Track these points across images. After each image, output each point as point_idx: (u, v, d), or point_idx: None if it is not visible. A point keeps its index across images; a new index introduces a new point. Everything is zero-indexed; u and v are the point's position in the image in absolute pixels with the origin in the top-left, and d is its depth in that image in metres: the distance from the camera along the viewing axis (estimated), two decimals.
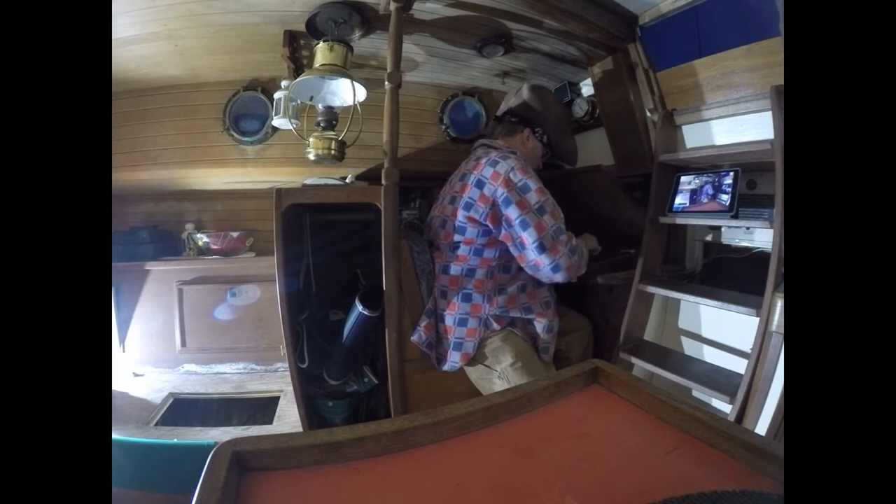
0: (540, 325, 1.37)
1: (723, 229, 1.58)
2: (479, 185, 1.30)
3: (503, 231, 1.29)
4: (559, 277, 1.28)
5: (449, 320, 1.35)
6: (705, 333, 1.54)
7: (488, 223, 1.30)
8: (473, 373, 1.38)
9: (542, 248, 1.25)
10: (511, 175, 1.28)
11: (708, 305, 1.37)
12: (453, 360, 1.35)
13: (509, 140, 1.48)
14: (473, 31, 1.64)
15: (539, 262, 1.26)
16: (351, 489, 0.42)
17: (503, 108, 1.56)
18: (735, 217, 1.33)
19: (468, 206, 1.31)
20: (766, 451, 0.42)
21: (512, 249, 1.31)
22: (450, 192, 1.41)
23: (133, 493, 1.28)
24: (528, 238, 1.25)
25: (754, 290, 1.22)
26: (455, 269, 1.35)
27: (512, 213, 1.26)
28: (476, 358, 1.35)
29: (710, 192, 1.41)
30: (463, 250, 1.35)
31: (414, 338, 1.35)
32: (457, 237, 1.35)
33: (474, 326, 1.33)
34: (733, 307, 1.26)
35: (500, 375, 1.33)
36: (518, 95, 1.52)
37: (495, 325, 1.34)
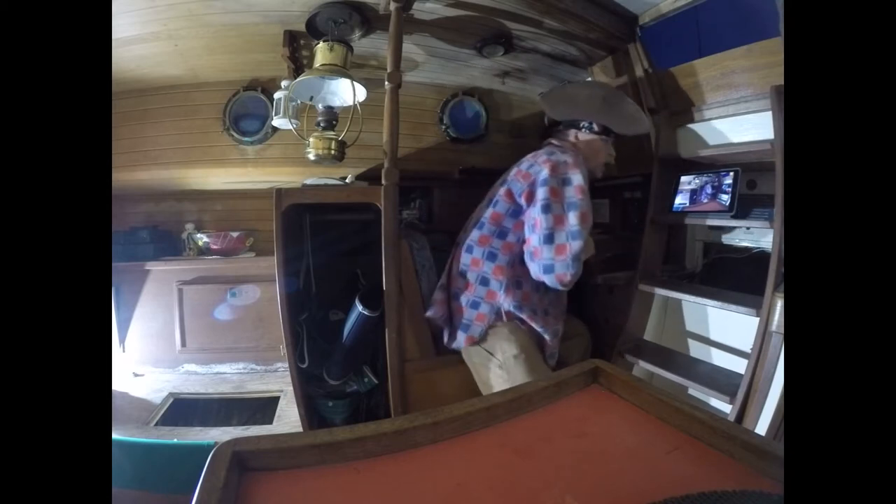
0: (548, 330, 1.35)
1: (723, 229, 1.58)
2: (529, 166, 1.31)
3: (528, 209, 1.27)
4: (547, 279, 1.24)
5: (463, 300, 1.35)
6: (705, 333, 1.54)
7: (522, 200, 1.28)
8: (474, 355, 1.37)
9: (549, 239, 1.21)
10: (561, 165, 1.27)
11: (708, 305, 1.38)
12: (459, 340, 1.35)
13: (565, 140, 1.46)
14: (473, 31, 1.64)
15: (538, 252, 1.23)
16: (351, 489, 0.42)
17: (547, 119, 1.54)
18: (735, 217, 1.33)
19: (508, 182, 1.33)
20: (766, 451, 0.42)
21: (526, 230, 1.28)
22: (500, 181, 1.42)
23: (133, 493, 1.28)
24: (542, 223, 1.22)
25: (754, 290, 1.22)
26: (478, 251, 1.35)
27: (541, 193, 1.24)
28: (479, 340, 1.34)
29: (710, 192, 1.42)
30: (487, 229, 1.34)
31: (430, 313, 1.37)
32: (487, 211, 1.35)
33: (485, 312, 1.32)
34: (733, 307, 1.26)
35: (501, 365, 1.31)
36: (545, 110, 1.50)
37: (505, 318, 1.33)
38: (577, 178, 1.25)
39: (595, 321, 1.73)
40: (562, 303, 1.44)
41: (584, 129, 1.44)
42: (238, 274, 2.15)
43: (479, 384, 1.37)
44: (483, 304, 1.33)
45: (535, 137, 2.22)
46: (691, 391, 1.39)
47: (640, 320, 1.63)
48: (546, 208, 1.22)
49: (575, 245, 1.19)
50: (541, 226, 1.22)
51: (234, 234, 2.13)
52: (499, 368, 1.32)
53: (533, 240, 1.24)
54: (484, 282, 1.33)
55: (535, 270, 1.25)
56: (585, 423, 0.53)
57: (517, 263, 1.33)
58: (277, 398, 1.84)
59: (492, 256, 1.33)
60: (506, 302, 1.31)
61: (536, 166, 1.29)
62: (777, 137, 1.19)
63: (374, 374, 1.54)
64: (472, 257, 1.35)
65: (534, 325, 1.32)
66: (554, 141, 1.46)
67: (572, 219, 1.21)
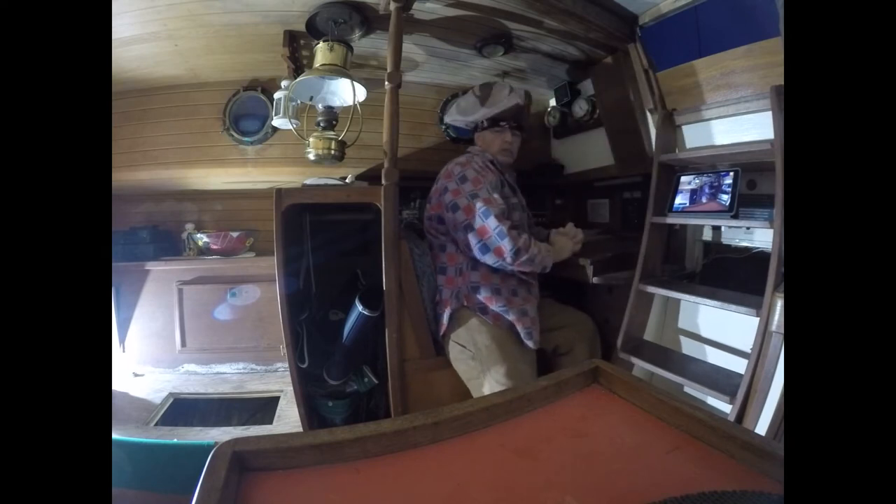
0: (513, 310, 1.39)
1: (723, 229, 1.58)
2: (437, 181, 1.50)
3: (447, 216, 1.41)
4: (490, 259, 1.35)
5: (436, 296, 1.45)
6: (705, 333, 1.54)
7: (440, 212, 1.44)
8: (451, 351, 1.42)
9: (469, 228, 1.35)
10: (454, 168, 1.44)
11: (708, 305, 1.37)
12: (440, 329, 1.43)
13: (474, 144, 1.62)
14: (473, 31, 1.64)
15: (469, 243, 1.36)
16: (351, 489, 0.42)
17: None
18: (735, 217, 1.33)
19: (430, 199, 1.51)
20: (766, 451, 0.42)
21: (457, 234, 1.41)
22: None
23: (133, 493, 1.28)
24: (459, 220, 1.37)
25: (754, 290, 1.22)
26: (436, 246, 1.49)
27: (447, 198, 1.40)
28: (452, 336, 1.41)
29: (710, 192, 1.41)
30: (432, 236, 1.49)
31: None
32: (427, 224, 1.51)
33: (447, 297, 1.41)
34: (733, 307, 1.26)
35: (473, 356, 1.36)
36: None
37: (466, 302, 1.39)
38: (469, 173, 1.40)
39: (595, 321, 1.73)
40: (531, 285, 1.50)
41: (480, 129, 1.58)
42: (238, 274, 2.15)
43: (464, 380, 1.42)
44: (444, 290, 1.43)
45: (534, 136, 2.22)
46: (691, 391, 1.39)
47: (639, 320, 1.63)
48: (455, 208, 1.38)
49: (490, 223, 1.32)
50: (459, 222, 1.37)
51: (234, 234, 2.12)
52: (472, 360, 1.37)
53: (461, 238, 1.38)
54: (442, 271, 1.45)
55: (480, 258, 1.36)
56: (585, 423, 0.53)
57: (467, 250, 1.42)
58: (277, 398, 1.84)
59: (442, 248, 1.47)
60: (464, 285, 1.40)
61: (441, 180, 1.46)
62: (777, 137, 1.18)
63: (374, 374, 1.54)
64: (433, 253, 1.49)
65: (495, 306, 1.38)
66: (469, 147, 1.62)
67: (478, 204, 1.34)
